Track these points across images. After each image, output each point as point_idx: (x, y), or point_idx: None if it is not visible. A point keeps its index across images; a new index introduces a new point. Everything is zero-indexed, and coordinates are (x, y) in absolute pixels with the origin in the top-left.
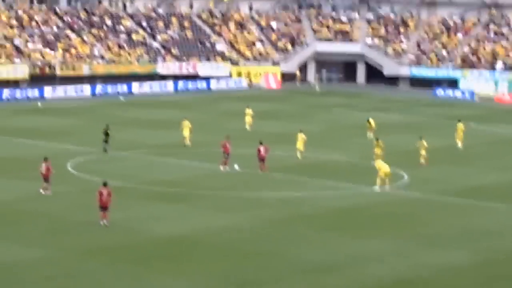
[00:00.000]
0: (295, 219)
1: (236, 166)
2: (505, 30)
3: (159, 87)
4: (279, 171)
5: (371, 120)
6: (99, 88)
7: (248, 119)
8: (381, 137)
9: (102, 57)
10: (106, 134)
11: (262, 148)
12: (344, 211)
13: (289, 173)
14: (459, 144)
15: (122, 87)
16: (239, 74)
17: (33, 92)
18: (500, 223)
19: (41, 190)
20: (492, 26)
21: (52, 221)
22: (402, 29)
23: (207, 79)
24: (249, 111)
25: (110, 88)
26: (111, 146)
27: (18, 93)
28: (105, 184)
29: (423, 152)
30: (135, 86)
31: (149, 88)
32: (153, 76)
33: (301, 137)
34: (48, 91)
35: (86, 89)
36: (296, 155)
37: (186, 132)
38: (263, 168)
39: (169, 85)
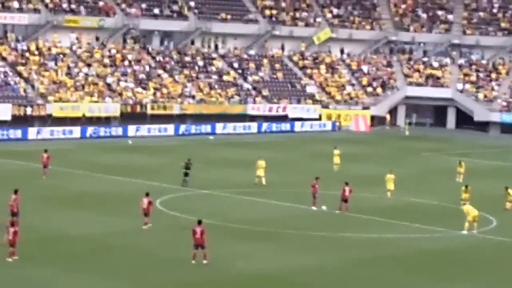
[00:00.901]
0: (382, 260)
1: (324, 207)
2: None
3: (249, 128)
4: (367, 213)
5: (462, 163)
6: (188, 127)
7: (336, 159)
8: (469, 181)
9: (193, 97)
10: (187, 168)
11: (347, 189)
12: (432, 254)
13: (377, 215)
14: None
15: (211, 127)
16: (329, 117)
17: (124, 130)
18: None
19: (143, 226)
20: None
21: (142, 256)
22: (493, 75)
23: (296, 120)
24: (336, 151)
25: (199, 128)
26: (190, 183)
27: (110, 131)
28: (199, 222)
29: (509, 198)
30: (223, 126)
31: (241, 128)
32: (243, 117)
33: (390, 177)
34: (138, 129)
35: (176, 128)
36: (386, 196)
37: (260, 172)
38: (344, 209)
39: (263, 125)
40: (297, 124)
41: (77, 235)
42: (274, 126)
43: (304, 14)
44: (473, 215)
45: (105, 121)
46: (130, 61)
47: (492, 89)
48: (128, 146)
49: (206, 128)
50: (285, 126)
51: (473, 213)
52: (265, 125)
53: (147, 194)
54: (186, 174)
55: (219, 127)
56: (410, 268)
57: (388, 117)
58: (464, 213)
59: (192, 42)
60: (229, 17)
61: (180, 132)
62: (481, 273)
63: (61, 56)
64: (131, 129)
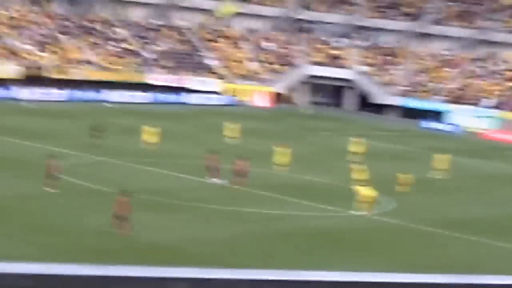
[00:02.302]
0: (272, 236)
1: (216, 180)
2: (495, 68)
3: (147, 98)
4: (261, 188)
5: (357, 142)
6: (87, 93)
7: (232, 133)
8: (365, 163)
9: (93, 63)
10: (96, 132)
11: (242, 163)
12: (323, 232)
13: (271, 191)
14: (442, 175)
15: (110, 94)
16: (229, 91)
17: (22, 93)
18: (479, 257)
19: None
20: (483, 63)
21: (40, 221)
22: (394, 59)
23: (195, 92)
24: (233, 126)
25: (98, 94)
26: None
27: (7, 93)
28: (122, 193)
29: (403, 181)
30: (122, 94)
31: (139, 97)
32: (142, 86)
33: (280, 151)
34: (37, 92)
35: (75, 93)
36: (275, 170)
37: (145, 137)
38: (241, 183)
39: (161, 96)
40: (196, 97)
41: None
42: (173, 97)
43: None
44: (367, 196)
45: (3, 82)
46: (32, 24)
47: (392, 73)
48: (25, 109)
49: (104, 94)
50: (184, 97)
51: (367, 194)
52: (163, 96)
53: (51, 156)
54: (95, 137)
55: (118, 94)
56: (300, 245)
57: (288, 94)
58: (358, 194)
59: (96, 9)
60: None
61: (79, 98)
62: (371, 254)
63: None
64: (29, 92)
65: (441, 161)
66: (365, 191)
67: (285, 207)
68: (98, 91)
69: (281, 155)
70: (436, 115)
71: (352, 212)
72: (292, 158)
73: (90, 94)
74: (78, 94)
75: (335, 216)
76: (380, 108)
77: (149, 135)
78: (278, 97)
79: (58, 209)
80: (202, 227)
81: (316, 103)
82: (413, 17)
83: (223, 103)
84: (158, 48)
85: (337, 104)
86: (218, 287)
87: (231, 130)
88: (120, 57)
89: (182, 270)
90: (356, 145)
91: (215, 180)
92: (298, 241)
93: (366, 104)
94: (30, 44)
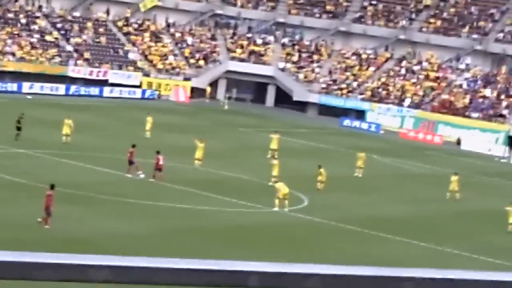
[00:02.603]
0: (193, 231)
1: (140, 174)
2: (416, 67)
3: (68, 90)
4: (181, 183)
5: (274, 138)
6: (6, 84)
7: (148, 126)
8: (285, 160)
9: (13, 54)
10: (19, 122)
11: (160, 158)
12: (243, 228)
13: (190, 186)
14: (359, 173)
15: (30, 86)
16: (150, 85)
17: None
18: (395, 255)
19: None
20: (404, 63)
21: None
22: (315, 57)
23: (116, 86)
24: (149, 119)
25: (18, 86)
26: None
27: None
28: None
29: (320, 179)
30: (43, 87)
31: (60, 90)
32: (63, 78)
33: (200, 146)
34: None
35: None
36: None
37: (66, 130)
38: (159, 177)
39: (82, 89)
40: (117, 90)
41: None
42: (94, 90)
43: None
44: (283, 193)
45: None
46: None
47: (313, 70)
48: None
49: (24, 86)
50: (105, 91)
51: (284, 190)
52: (84, 88)
53: None
54: (18, 129)
55: (38, 86)
56: (221, 240)
57: (208, 90)
58: (276, 190)
59: (16, 0)
60: None
61: (4, 89)
62: (288, 249)
63: None
64: None
65: (359, 159)
66: (284, 188)
67: (204, 202)
68: (18, 83)
69: (200, 150)
70: (357, 114)
71: (270, 208)
72: (210, 154)
73: (10, 86)
74: (4, 85)
75: (253, 212)
76: (301, 106)
77: (68, 128)
78: (199, 92)
79: None
80: (121, 221)
81: (238, 99)
82: (336, 15)
83: (144, 97)
84: (80, 41)
85: (260, 100)
86: (140, 275)
87: (150, 124)
88: (42, 49)
89: (103, 257)
90: (273, 141)
91: (140, 174)
92: (217, 236)
93: (288, 101)
94: None
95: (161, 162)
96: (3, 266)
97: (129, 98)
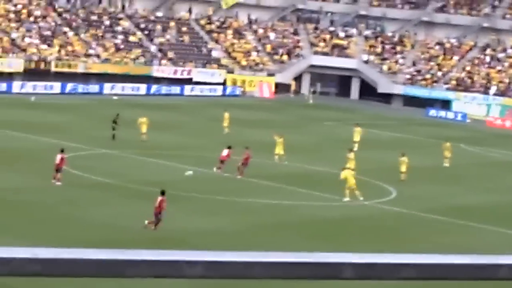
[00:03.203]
0: (280, 226)
1: (189, 172)
2: (501, 55)
3: (154, 90)
4: (268, 179)
5: (356, 131)
6: (91, 86)
7: (226, 122)
8: (371, 153)
9: (98, 56)
10: (115, 122)
11: (248, 153)
12: (331, 221)
13: (277, 181)
14: (446, 163)
15: (116, 87)
16: (234, 82)
17: (26, 86)
18: (484, 244)
19: (56, 182)
20: (488, 51)
21: (41, 213)
22: (398, 48)
23: (201, 84)
24: (226, 115)
25: (104, 87)
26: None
27: (13, 87)
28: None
29: (403, 169)
30: (128, 87)
31: (145, 90)
32: (148, 79)
33: (280, 141)
34: (40, 86)
35: (80, 86)
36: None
37: (143, 129)
38: (244, 173)
39: (168, 88)
40: (202, 88)
41: None
42: (179, 89)
43: None
44: (350, 183)
45: (8, 76)
46: (36, 17)
47: (397, 62)
48: (31, 102)
49: (110, 87)
50: (190, 89)
51: (350, 181)
52: (169, 88)
53: (61, 151)
54: (113, 129)
55: (124, 87)
56: (309, 234)
57: (293, 84)
58: (346, 181)
59: (100, 1)
60: None
61: (84, 91)
62: (376, 242)
63: None
64: (33, 86)
65: (446, 149)
66: (350, 178)
67: (290, 197)
68: (102, 84)
69: (280, 145)
70: (442, 104)
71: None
72: (296, 148)
73: (95, 87)
74: (83, 87)
75: (340, 206)
76: (386, 97)
77: (145, 126)
78: (283, 87)
79: (65, 202)
80: (208, 219)
81: (323, 93)
82: (418, 5)
83: (225, 93)
84: (163, 40)
85: (344, 93)
86: (234, 270)
87: (228, 120)
88: (126, 50)
89: (196, 253)
90: (355, 134)
91: (188, 172)
92: (305, 231)
93: (372, 94)
94: (34, 37)
95: (247, 158)
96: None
97: (214, 95)
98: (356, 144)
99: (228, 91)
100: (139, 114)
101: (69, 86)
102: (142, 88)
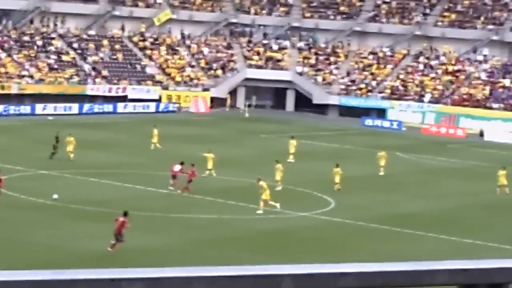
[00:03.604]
0: (222, 241)
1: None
2: (434, 62)
3: (88, 109)
4: (205, 194)
5: (292, 142)
6: (25, 107)
7: (155, 139)
8: (309, 164)
9: (32, 77)
10: (56, 142)
11: (194, 170)
12: (272, 234)
13: (215, 196)
14: (382, 172)
15: (50, 107)
16: (169, 98)
17: None
18: (423, 251)
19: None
20: (421, 59)
21: None
22: (332, 58)
23: (136, 101)
24: (155, 130)
25: (38, 108)
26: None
27: None
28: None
29: (337, 180)
30: (63, 107)
31: (79, 109)
32: (82, 97)
33: (209, 156)
34: None
35: (12, 108)
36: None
37: (70, 148)
38: (186, 190)
39: (100, 106)
40: (137, 105)
41: None
42: (113, 107)
43: None
44: (267, 193)
45: None
46: None
47: (331, 72)
48: None
49: (44, 108)
50: (123, 106)
51: (267, 192)
52: (104, 106)
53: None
54: (54, 148)
55: (58, 107)
56: (251, 247)
57: (228, 99)
58: (262, 189)
59: (31, 21)
60: None
61: (19, 112)
62: (318, 252)
63: None
64: None
65: (380, 158)
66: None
67: (230, 211)
68: (34, 105)
69: (210, 160)
70: (378, 112)
71: (296, 212)
72: (233, 162)
73: (27, 108)
74: (17, 108)
75: (280, 218)
76: (322, 108)
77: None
78: (219, 102)
79: (2, 225)
80: (151, 235)
81: (258, 106)
82: (350, 15)
83: (164, 110)
84: (97, 59)
85: (279, 106)
86: (174, 285)
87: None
88: (60, 70)
89: (136, 270)
90: (291, 146)
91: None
92: (247, 244)
93: (308, 105)
94: None
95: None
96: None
97: (149, 112)
98: (292, 155)
99: (162, 107)
100: (73, 134)
101: (1, 108)
102: (75, 107)
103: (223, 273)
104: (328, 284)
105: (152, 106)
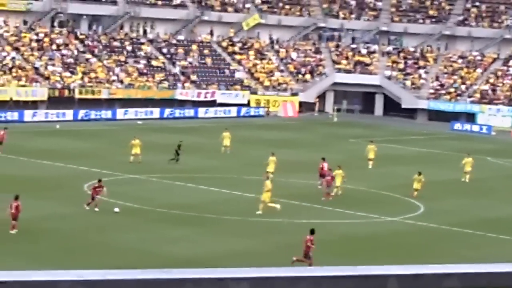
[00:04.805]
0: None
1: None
2: None
3: (178, 113)
4: (295, 198)
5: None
6: (118, 112)
7: (225, 141)
8: (396, 168)
9: (121, 82)
10: (178, 148)
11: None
12: (360, 238)
13: (305, 200)
14: (465, 179)
15: (140, 112)
16: (258, 103)
17: (51, 114)
18: (510, 255)
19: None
20: (511, 62)
21: (69, 240)
22: (421, 63)
23: (224, 106)
24: (226, 133)
25: (128, 112)
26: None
27: (37, 115)
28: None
29: (417, 187)
30: (153, 111)
31: (169, 113)
32: (172, 102)
33: (272, 160)
34: (65, 113)
35: (105, 112)
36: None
37: (136, 150)
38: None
39: (191, 111)
40: (226, 110)
41: (3, 219)
42: (203, 112)
43: None
44: (268, 195)
45: (32, 105)
46: (58, 45)
47: (420, 76)
48: (56, 130)
49: (134, 113)
50: (214, 111)
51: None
52: (193, 111)
53: (16, 198)
54: (177, 153)
55: (147, 112)
56: (338, 252)
57: (317, 103)
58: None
59: (121, 27)
60: (158, 2)
61: (109, 117)
62: (406, 258)
63: None
64: (58, 113)
65: (466, 164)
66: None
67: (319, 215)
68: (126, 110)
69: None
70: (467, 117)
71: (385, 217)
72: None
73: (119, 113)
74: (107, 113)
75: (369, 222)
76: (411, 112)
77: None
78: (307, 106)
79: (94, 229)
80: (239, 240)
81: (347, 111)
82: (439, 19)
83: (253, 114)
84: (186, 63)
85: (368, 110)
86: (280, 285)
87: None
88: (149, 74)
89: (242, 270)
90: (370, 151)
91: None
92: (335, 248)
93: (397, 109)
94: (57, 65)
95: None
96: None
97: (238, 117)
98: (371, 162)
99: (252, 111)
100: (162, 138)
101: (93, 113)
102: (166, 111)
103: (329, 273)
104: (432, 285)
105: (243, 111)
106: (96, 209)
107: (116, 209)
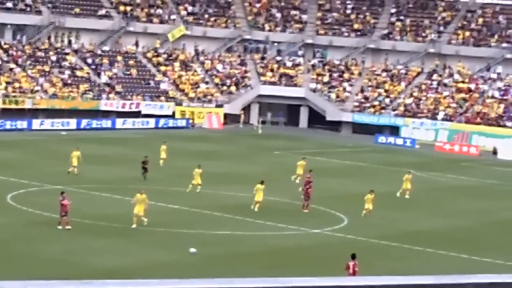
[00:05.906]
0: (234, 257)
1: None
2: (447, 80)
3: (102, 124)
4: (218, 210)
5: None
6: (40, 122)
7: (163, 155)
8: (321, 180)
9: (46, 92)
10: (144, 163)
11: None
12: (284, 250)
13: (228, 212)
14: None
15: (64, 122)
16: (183, 114)
17: None
18: (437, 269)
19: None
20: (435, 76)
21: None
22: (346, 75)
23: (149, 117)
24: (163, 146)
25: (51, 123)
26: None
27: None
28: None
29: (367, 207)
30: (77, 122)
31: (94, 124)
32: (96, 113)
33: (198, 172)
34: None
35: (28, 123)
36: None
37: (75, 162)
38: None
39: (116, 121)
40: (151, 121)
41: None
42: (128, 122)
43: (159, 10)
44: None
45: None
46: None
47: (344, 89)
48: None
49: (58, 123)
50: (139, 122)
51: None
52: (118, 121)
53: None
54: (144, 169)
55: (72, 122)
56: (264, 264)
57: (241, 115)
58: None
59: (48, 37)
60: (83, 12)
61: (33, 127)
62: (331, 269)
63: None
64: None
65: (407, 180)
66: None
67: (242, 227)
68: (51, 120)
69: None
70: (391, 130)
71: (309, 229)
72: (246, 178)
73: (45, 123)
74: (33, 123)
75: (292, 234)
76: (335, 125)
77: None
78: (232, 118)
79: (22, 240)
80: (161, 251)
81: (272, 123)
82: (364, 32)
83: (178, 126)
84: (111, 74)
85: (293, 122)
86: None
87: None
88: (73, 85)
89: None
90: (299, 167)
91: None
92: (260, 261)
93: (321, 122)
94: None
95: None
96: None
97: (163, 128)
98: (299, 177)
99: (177, 123)
100: (85, 149)
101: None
102: (72, 122)
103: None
104: None
105: (181, 122)
106: (68, 227)
107: (193, 250)
